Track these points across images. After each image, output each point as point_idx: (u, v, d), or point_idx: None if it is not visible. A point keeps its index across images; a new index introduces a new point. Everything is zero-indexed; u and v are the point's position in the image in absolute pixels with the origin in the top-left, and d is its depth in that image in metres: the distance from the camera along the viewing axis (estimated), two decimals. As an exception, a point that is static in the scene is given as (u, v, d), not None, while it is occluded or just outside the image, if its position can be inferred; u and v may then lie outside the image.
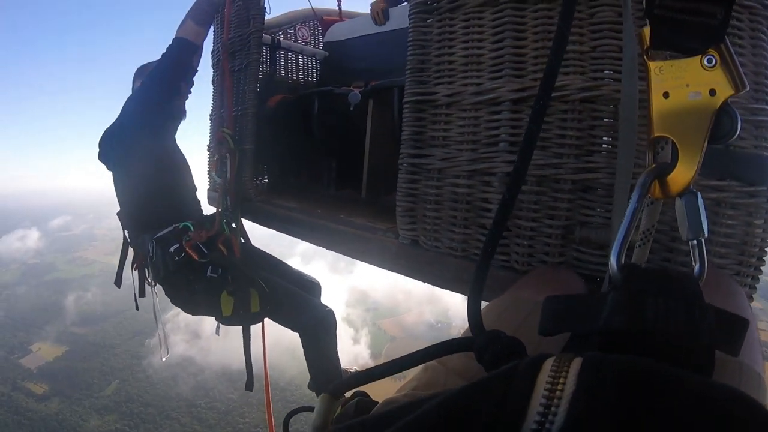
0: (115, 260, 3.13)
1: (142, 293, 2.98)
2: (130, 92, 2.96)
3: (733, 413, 0.35)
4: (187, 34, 2.80)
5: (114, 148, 2.84)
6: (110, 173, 2.93)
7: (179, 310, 2.89)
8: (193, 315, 2.97)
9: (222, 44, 3.11)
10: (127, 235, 2.99)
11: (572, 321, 0.56)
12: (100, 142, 2.87)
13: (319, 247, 2.71)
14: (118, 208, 2.95)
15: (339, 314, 3.09)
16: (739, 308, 1.16)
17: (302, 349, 2.92)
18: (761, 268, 1.42)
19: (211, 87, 3.45)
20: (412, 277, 2.02)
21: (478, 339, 0.68)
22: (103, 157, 2.89)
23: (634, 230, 0.67)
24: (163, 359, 3.44)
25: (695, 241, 0.63)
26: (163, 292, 2.88)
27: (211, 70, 3.47)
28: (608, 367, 0.39)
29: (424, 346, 0.75)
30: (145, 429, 43.77)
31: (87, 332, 62.91)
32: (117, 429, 43.78)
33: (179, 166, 3.02)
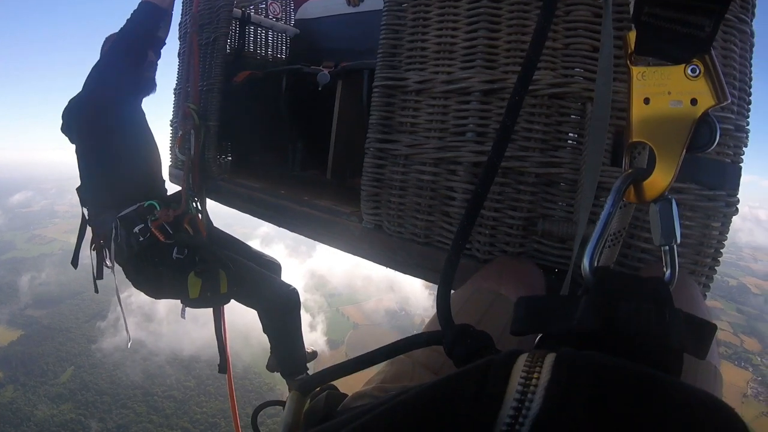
0: (75, 238, 2.98)
1: (100, 275, 2.84)
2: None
3: (709, 418, 0.36)
4: None
5: (77, 119, 2.68)
6: (73, 146, 2.76)
7: (131, 291, 2.77)
8: (156, 298, 2.86)
9: (191, 16, 3.01)
10: (86, 213, 2.83)
11: (545, 322, 0.57)
12: (63, 112, 2.72)
13: (279, 230, 2.66)
14: (79, 183, 2.79)
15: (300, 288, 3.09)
16: (699, 311, 1.21)
17: (261, 330, 2.87)
18: (716, 268, 1.48)
19: (176, 60, 3.34)
20: (374, 262, 2.02)
21: (448, 333, 0.68)
22: (66, 128, 2.74)
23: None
24: (128, 345, 3.30)
25: (667, 247, 0.64)
26: (123, 274, 2.74)
27: (178, 43, 3.36)
28: (582, 361, 0.39)
29: (387, 334, 0.73)
30: (100, 419, 42.02)
31: (42, 315, 60.07)
32: (71, 419, 41.84)
33: (146, 141, 2.88)
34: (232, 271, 2.68)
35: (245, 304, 2.82)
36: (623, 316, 0.50)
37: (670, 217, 0.65)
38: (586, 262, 0.62)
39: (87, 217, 2.83)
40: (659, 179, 0.66)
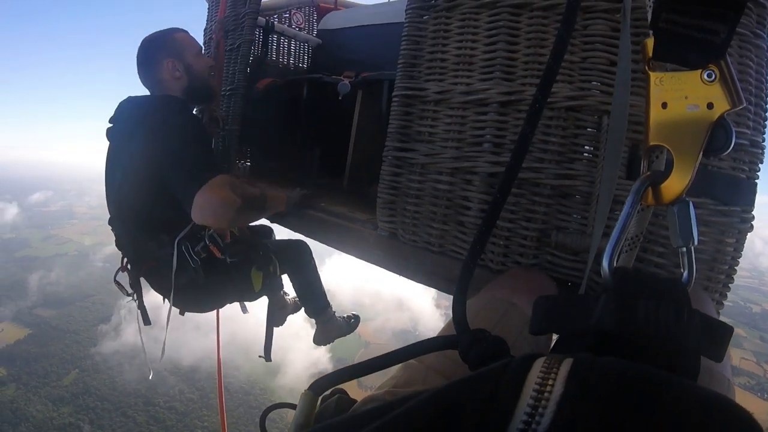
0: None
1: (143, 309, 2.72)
2: (137, 67, 2.47)
3: (723, 423, 0.35)
4: None
5: (152, 117, 2.26)
6: (108, 149, 2.45)
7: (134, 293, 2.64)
8: (208, 311, 2.81)
9: (218, 21, 3.08)
10: (121, 235, 2.53)
11: (563, 321, 0.57)
12: (131, 109, 2.37)
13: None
14: (100, 185, 2.50)
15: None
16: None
17: (293, 288, 3.09)
18: (730, 285, 1.47)
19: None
20: (387, 269, 2.03)
21: (463, 337, 0.69)
22: (126, 130, 2.35)
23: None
24: (161, 360, 3.03)
25: (684, 249, 0.65)
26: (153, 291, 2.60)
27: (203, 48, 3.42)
28: (598, 371, 0.39)
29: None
30: (99, 426, 41.18)
31: (51, 316, 59.54)
32: (70, 423, 41.28)
33: None
34: (277, 254, 2.79)
35: (287, 273, 2.97)
36: (642, 315, 0.51)
37: (688, 218, 0.66)
38: (605, 262, 0.63)
39: (126, 240, 2.53)
40: (677, 182, 0.67)
